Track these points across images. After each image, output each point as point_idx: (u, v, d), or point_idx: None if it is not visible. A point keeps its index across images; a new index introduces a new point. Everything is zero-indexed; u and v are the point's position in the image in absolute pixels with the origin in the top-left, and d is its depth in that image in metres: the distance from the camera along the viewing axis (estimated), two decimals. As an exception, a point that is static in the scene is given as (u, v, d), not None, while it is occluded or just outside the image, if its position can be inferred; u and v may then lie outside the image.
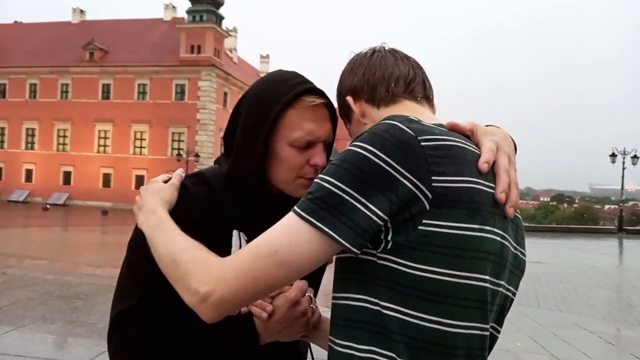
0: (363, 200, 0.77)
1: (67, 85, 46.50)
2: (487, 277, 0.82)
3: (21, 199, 43.99)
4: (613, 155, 30.80)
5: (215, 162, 1.19)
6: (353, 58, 1.05)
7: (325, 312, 1.09)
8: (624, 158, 30.68)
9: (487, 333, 0.85)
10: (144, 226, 1.00)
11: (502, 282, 0.87)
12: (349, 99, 1.01)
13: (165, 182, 1.09)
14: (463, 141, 0.86)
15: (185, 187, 1.08)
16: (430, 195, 0.77)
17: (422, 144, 0.79)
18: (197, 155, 39.10)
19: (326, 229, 0.77)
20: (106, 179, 44.83)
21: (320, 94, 1.08)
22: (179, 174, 1.11)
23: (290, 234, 0.79)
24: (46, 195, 43.59)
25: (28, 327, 5.00)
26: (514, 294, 0.93)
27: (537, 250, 14.77)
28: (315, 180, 0.82)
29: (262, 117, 1.05)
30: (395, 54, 1.02)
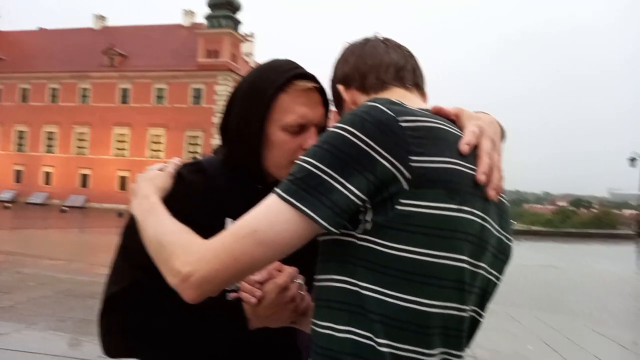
0: (341, 180, 0.77)
1: (86, 89, 47.28)
2: (465, 258, 0.81)
3: (39, 201, 44.71)
4: (632, 160, 30.26)
5: (214, 152, 1.20)
6: (346, 47, 1.06)
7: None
8: (644, 163, 30.10)
9: (466, 315, 0.85)
10: (136, 211, 1.02)
11: (483, 265, 0.86)
12: (340, 87, 1.03)
13: (161, 170, 1.11)
14: (446, 124, 0.86)
15: (180, 175, 1.09)
16: (408, 175, 0.77)
17: (402, 124, 0.79)
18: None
19: (305, 209, 0.78)
20: (123, 182, 45.35)
21: (312, 78, 1.10)
22: (174, 162, 1.13)
23: (270, 214, 0.80)
24: (64, 197, 44.27)
25: (41, 325, 5.08)
26: (498, 279, 0.92)
27: (553, 255, 14.55)
28: (296, 161, 0.83)
29: (255, 102, 1.07)
30: (386, 43, 1.03)
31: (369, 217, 0.80)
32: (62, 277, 7.92)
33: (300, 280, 1.06)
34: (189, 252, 0.84)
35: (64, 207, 37.15)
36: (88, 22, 53.70)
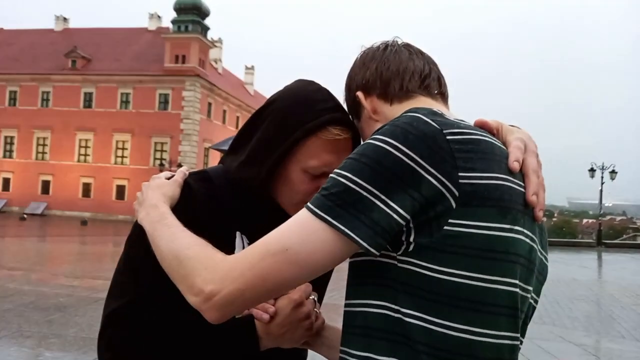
0: (383, 197, 0.71)
1: (48, 93, 45.82)
2: (517, 282, 0.75)
3: (-3, 208, 43.00)
4: (592, 170, 31.37)
5: (220, 161, 1.15)
6: (364, 52, 0.98)
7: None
8: (602, 173, 31.27)
9: (518, 342, 0.79)
10: (144, 221, 0.95)
11: (530, 288, 0.80)
12: (360, 94, 0.95)
13: (168, 179, 1.05)
14: (490, 136, 0.80)
15: (188, 185, 1.04)
16: (457, 193, 0.71)
17: (448, 137, 0.73)
18: (179, 166, 38.66)
19: (342, 228, 0.72)
20: (86, 189, 44.06)
21: (348, 125, 1.02)
22: (182, 171, 1.07)
23: (303, 232, 0.74)
24: (24, 204, 42.67)
25: (3, 340, 4.84)
26: (536, 302, 0.86)
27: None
28: (331, 175, 0.76)
29: (282, 136, 1.00)
30: (409, 49, 0.96)
31: (411, 237, 0.73)
32: (24, 288, 7.60)
33: (314, 296, 1.01)
34: (211, 269, 0.78)
35: (23, 215, 35.78)
36: (49, 23, 52.18)
